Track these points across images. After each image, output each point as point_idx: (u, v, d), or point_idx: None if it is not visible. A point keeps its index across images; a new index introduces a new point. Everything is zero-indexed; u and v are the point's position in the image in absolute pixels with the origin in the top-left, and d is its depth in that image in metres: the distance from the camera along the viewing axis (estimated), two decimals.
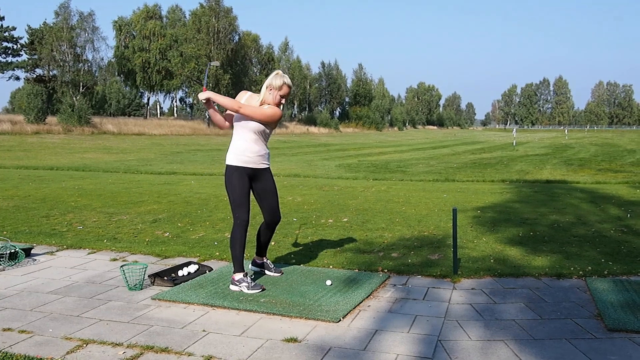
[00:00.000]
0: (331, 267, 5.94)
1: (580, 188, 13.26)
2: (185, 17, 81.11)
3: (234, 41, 75.23)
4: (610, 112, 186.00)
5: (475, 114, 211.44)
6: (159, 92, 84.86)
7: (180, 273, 5.55)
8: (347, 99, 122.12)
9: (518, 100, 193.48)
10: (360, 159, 29.33)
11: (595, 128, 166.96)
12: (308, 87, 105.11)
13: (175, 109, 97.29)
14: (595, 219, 8.58)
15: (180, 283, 5.30)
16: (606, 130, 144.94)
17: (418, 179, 16.61)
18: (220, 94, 5.67)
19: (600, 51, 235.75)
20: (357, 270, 5.76)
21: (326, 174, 18.77)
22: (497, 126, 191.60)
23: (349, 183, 15.18)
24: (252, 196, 5.22)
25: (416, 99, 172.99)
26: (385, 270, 5.74)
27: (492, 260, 6.10)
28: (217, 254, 6.56)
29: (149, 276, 5.36)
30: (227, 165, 5.20)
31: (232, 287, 5.05)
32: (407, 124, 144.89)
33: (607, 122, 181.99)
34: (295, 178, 16.60)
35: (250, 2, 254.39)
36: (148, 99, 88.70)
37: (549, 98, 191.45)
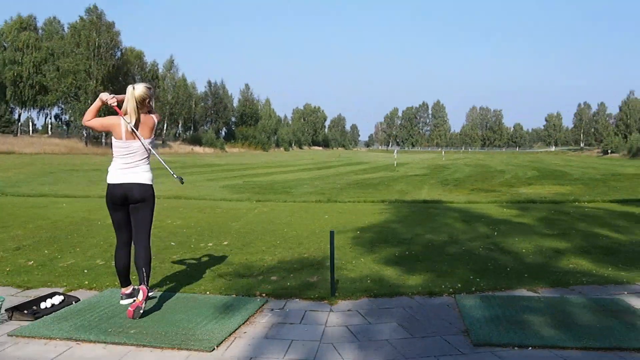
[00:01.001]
0: (208, 292, 5.83)
1: (454, 208, 13.86)
2: (63, 30, 77.51)
3: (116, 57, 72.93)
4: (483, 135, 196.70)
5: (359, 135, 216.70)
6: (32, 108, 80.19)
7: (42, 305, 5.17)
8: (233, 119, 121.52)
9: (399, 122, 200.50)
10: (246, 179, 29.21)
11: (469, 150, 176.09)
12: (193, 106, 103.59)
13: (49, 126, 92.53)
14: (466, 238, 8.98)
15: (42, 316, 4.95)
16: (479, 152, 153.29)
17: (302, 200, 16.73)
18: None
19: (473, 77, 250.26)
20: (234, 296, 5.68)
21: (210, 195, 18.50)
22: (379, 147, 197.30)
23: (232, 204, 15.03)
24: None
25: (302, 120, 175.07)
26: (264, 295, 5.71)
27: (369, 281, 6.22)
28: (87, 282, 6.24)
29: (5, 310, 4.95)
30: (152, 185, 5.21)
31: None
32: (293, 145, 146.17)
33: (480, 144, 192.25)
34: (176, 200, 16.24)
35: (135, 17, 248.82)
36: (19, 115, 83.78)
37: (427, 121, 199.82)
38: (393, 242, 8.58)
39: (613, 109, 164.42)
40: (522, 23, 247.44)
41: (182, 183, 5.36)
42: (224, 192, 20.70)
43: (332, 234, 5.73)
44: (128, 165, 5.09)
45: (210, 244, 8.55)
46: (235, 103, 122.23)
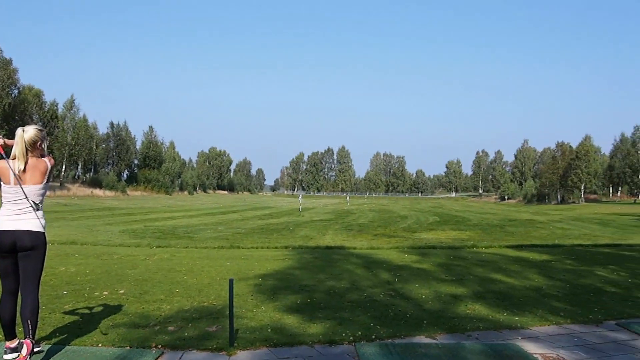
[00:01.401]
0: (100, 345, 5.52)
1: (357, 253, 13.99)
2: None
3: (13, 95, 69.91)
4: (387, 181, 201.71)
5: (265, 179, 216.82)
6: None
7: None
8: (136, 161, 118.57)
9: (305, 167, 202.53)
10: (147, 224, 28.43)
11: (374, 195, 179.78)
12: (94, 147, 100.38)
13: None
14: (367, 284, 9.05)
15: None
16: (383, 197, 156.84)
17: (204, 246, 16.42)
18: None
19: (377, 124, 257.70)
20: (128, 348, 5.41)
21: (108, 241, 17.84)
22: (285, 192, 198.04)
23: (130, 250, 14.52)
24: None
25: (207, 164, 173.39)
26: (160, 346, 5.47)
27: (269, 330, 6.11)
28: None
29: None
30: (44, 232, 4.93)
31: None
32: (197, 188, 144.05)
33: (384, 190, 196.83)
34: (71, 245, 15.52)
35: (35, 54, 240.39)
36: None
37: (333, 166, 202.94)
38: (295, 289, 8.51)
39: (509, 156, 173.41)
40: (422, 73, 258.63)
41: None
42: (123, 237, 20.03)
43: (231, 282, 5.61)
44: (18, 211, 4.81)
45: (106, 293, 8.17)
46: (139, 145, 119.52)
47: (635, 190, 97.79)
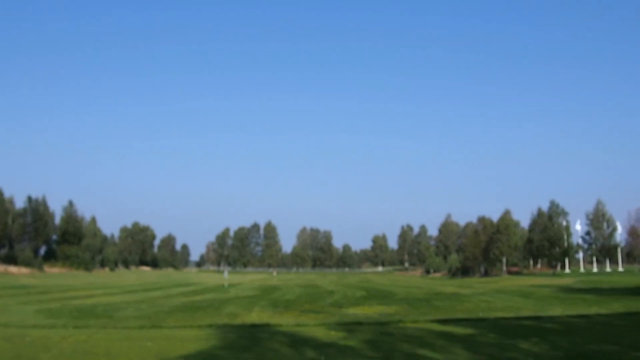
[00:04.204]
0: None
1: (282, 331, 13.69)
2: None
3: None
4: (314, 255, 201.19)
5: (190, 255, 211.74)
6: None
7: None
8: (54, 237, 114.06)
9: (231, 242, 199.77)
10: (64, 302, 27.19)
11: (300, 270, 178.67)
12: (10, 222, 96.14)
13: None
14: None
15: None
16: (310, 272, 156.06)
17: (124, 326, 15.72)
18: None
19: (303, 198, 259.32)
20: None
21: (20, 322, 16.86)
22: (211, 267, 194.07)
23: (44, 332, 13.72)
24: None
25: (130, 239, 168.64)
26: None
27: None
28: None
29: None
30: None
31: None
32: (119, 265, 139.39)
33: (311, 264, 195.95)
34: None
35: None
36: None
37: (259, 241, 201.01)
38: None
39: (433, 231, 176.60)
40: (345, 147, 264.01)
41: None
42: (37, 317, 19.00)
43: None
44: None
45: None
46: (58, 220, 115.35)
47: (554, 263, 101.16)
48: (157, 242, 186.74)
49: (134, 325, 15.94)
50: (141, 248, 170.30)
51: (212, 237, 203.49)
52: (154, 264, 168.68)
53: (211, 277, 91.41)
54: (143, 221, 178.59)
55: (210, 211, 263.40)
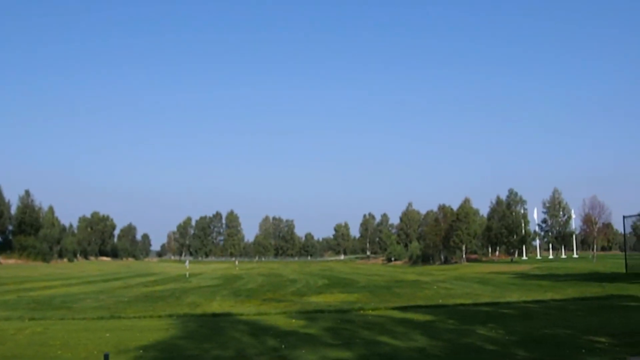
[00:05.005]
0: None
1: (244, 320, 13.71)
2: None
3: None
4: (276, 244, 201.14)
5: (150, 245, 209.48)
6: None
7: None
8: (10, 228, 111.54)
9: (193, 232, 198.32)
10: (21, 294, 26.66)
11: (263, 259, 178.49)
12: None
13: None
14: (254, 352, 8.85)
15: None
16: (273, 261, 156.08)
17: (82, 317, 15.50)
18: None
19: (266, 187, 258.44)
20: None
21: None
22: (172, 257, 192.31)
23: None
24: None
25: (89, 229, 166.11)
26: None
27: None
28: None
29: None
30: None
31: None
32: (78, 255, 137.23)
33: (273, 254, 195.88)
34: None
35: None
36: None
37: (221, 230, 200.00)
38: None
39: (394, 219, 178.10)
40: (308, 135, 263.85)
41: None
42: None
43: (106, 357, 5.29)
44: None
45: None
46: (13, 210, 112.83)
47: (512, 250, 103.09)
48: (117, 232, 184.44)
49: (92, 316, 15.74)
50: (101, 238, 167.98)
51: (173, 227, 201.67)
52: (114, 254, 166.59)
53: (172, 266, 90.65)
54: (103, 211, 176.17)
55: (171, 200, 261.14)
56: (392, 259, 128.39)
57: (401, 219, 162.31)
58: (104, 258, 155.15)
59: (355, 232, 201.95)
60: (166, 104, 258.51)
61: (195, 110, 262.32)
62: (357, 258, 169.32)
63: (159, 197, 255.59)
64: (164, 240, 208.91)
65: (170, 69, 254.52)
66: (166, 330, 11.83)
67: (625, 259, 43.43)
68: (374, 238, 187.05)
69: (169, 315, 15.50)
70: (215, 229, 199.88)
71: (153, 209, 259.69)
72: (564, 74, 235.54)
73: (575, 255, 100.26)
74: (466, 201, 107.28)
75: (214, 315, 15.67)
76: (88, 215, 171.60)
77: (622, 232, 58.32)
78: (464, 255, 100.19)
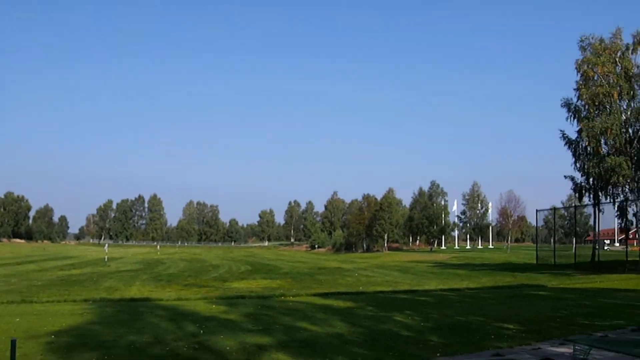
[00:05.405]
0: None
1: (163, 305, 13.49)
2: None
3: None
4: (200, 229, 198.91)
5: (68, 227, 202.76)
6: None
7: None
8: None
9: (114, 215, 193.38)
10: None
11: (185, 244, 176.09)
12: None
13: None
14: (171, 337, 8.73)
15: None
16: (195, 247, 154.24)
17: None
18: None
19: (190, 172, 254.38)
20: None
21: None
22: (91, 241, 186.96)
23: None
24: None
25: (2, 210, 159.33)
26: None
27: None
28: None
29: None
30: None
31: None
32: None
33: (196, 239, 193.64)
34: None
35: None
36: None
37: (143, 214, 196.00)
38: (91, 346, 7.95)
39: (319, 207, 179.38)
40: (233, 121, 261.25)
41: None
42: None
43: (13, 342, 5.09)
44: None
45: None
46: None
47: (432, 240, 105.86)
48: (32, 214, 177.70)
49: (2, 300, 15.12)
50: (14, 219, 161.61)
51: (93, 210, 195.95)
52: (29, 236, 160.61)
53: (91, 250, 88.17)
54: (17, 191, 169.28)
55: (92, 182, 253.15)
56: (316, 246, 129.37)
57: (326, 207, 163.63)
58: (18, 240, 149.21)
59: (280, 219, 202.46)
60: (88, 82, 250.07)
61: (119, 89, 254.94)
62: (281, 245, 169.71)
63: (78, 178, 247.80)
64: (83, 223, 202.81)
65: (87, 47, 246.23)
66: (81, 315, 11.49)
67: (537, 250, 45.53)
68: (299, 225, 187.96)
69: (84, 299, 15.07)
70: (137, 213, 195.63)
71: (72, 190, 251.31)
72: (492, 67, 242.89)
73: (491, 246, 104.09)
74: (390, 191, 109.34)
75: (132, 300, 15.35)
76: (1, 195, 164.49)
77: (535, 225, 61.10)
78: (385, 244, 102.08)
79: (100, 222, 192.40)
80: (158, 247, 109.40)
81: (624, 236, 40.31)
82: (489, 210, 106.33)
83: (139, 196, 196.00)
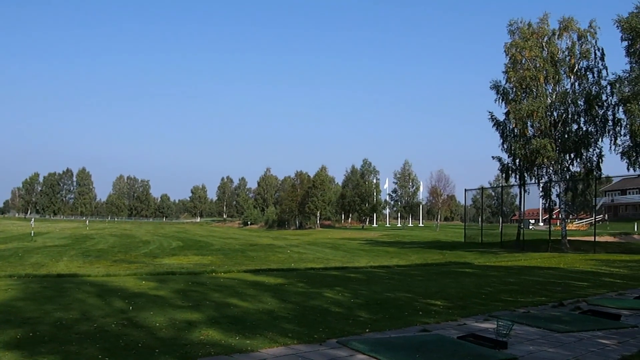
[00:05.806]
0: None
1: (91, 282, 13.27)
2: None
3: None
4: (130, 205, 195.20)
5: None
6: None
7: None
8: None
9: (40, 189, 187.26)
10: None
11: (115, 219, 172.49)
12: None
13: None
14: (99, 314, 8.63)
15: None
16: (126, 222, 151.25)
17: None
18: None
19: (121, 146, 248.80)
20: None
21: None
22: (17, 215, 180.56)
23: None
24: None
25: None
26: None
27: None
28: None
29: None
30: None
31: None
32: None
33: (127, 214, 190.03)
34: None
35: None
36: None
37: (72, 188, 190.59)
38: (15, 323, 7.78)
39: (252, 183, 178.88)
40: (166, 93, 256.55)
41: None
42: None
43: None
44: None
45: None
46: None
47: (363, 217, 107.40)
48: None
49: None
50: None
51: (18, 183, 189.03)
52: None
53: (16, 224, 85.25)
54: None
55: (17, 155, 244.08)
56: (249, 222, 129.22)
57: (259, 184, 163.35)
58: None
59: (212, 194, 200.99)
60: (19, 53, 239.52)
61: (47, 57, 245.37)
62: (213, 221, 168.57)
63: (1, 150, 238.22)
64: (8, 196, 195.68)
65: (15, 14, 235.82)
66: (4, 291, 11.18)
67: (465, 229, 46.99)
68: (232, 201, 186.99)
69: (9, 275, 14.64)
70: (65, 187, 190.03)
71: None
72: (424, 49, 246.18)
73: (421, 224, 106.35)
74: (322, 169, 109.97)
75: (59, 276, 15.02)
76: None
77: (464, 204, 62.88)
78: (318, 221, 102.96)
79: (26, 195, 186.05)
80: (87, 222, 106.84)
81: (547, 216, 42.09)
82: (420, 189, 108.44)
83: (67, 169, 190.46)
